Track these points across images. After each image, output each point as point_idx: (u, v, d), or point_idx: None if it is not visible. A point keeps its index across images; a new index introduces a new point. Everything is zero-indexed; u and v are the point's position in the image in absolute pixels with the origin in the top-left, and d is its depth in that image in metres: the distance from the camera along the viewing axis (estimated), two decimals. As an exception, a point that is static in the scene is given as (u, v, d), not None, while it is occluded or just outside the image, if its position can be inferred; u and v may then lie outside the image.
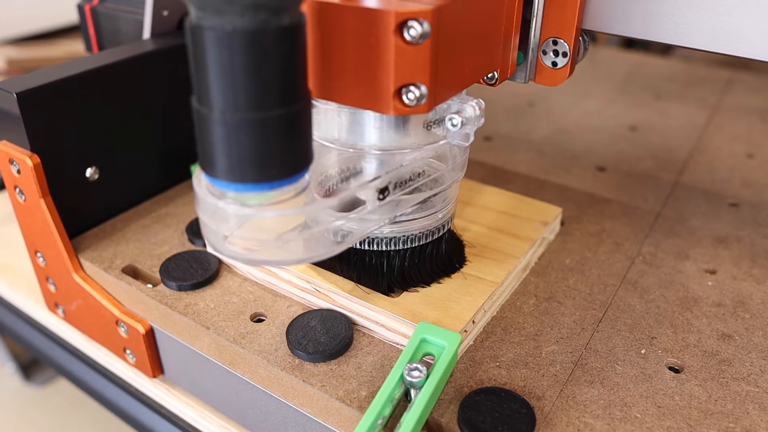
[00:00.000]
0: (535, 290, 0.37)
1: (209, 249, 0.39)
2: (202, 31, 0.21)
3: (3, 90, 0.35)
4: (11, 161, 0.37)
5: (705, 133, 0.58)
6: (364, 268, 0.34)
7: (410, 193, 0.31)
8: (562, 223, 0.43)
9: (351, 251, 0.33)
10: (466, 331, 0.32)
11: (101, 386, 0.43)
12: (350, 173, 0.32)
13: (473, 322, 0.33)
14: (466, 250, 0.37)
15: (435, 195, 0.32)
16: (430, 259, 0.35)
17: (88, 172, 0.40)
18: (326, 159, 0.31)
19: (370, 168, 0.31)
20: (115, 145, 0.41)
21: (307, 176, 0.25)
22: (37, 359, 0.82)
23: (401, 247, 0.33)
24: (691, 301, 0.36)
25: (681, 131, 0.59)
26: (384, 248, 0.33)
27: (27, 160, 0.36)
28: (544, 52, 0.32)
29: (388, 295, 0.33)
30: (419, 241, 0.33)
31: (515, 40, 0.31)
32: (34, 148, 0.37)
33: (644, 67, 0.75)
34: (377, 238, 0.33)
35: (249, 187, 0.24)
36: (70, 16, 0.88)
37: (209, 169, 0.24)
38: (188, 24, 0.22)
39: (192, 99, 0.23)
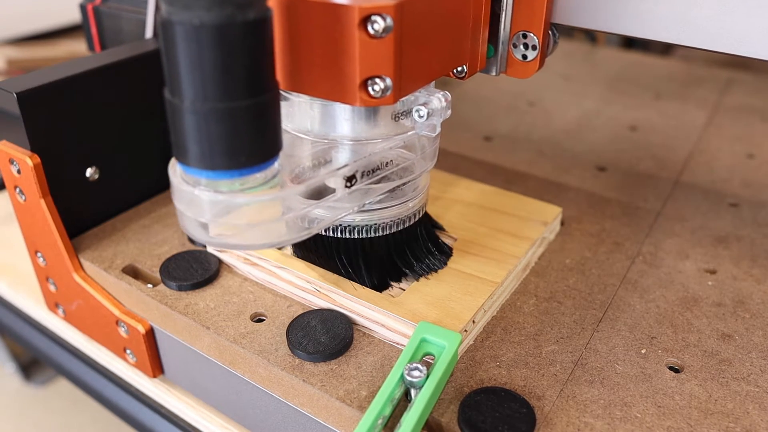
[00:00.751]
0: (535, 290, 0.37)
1: (209, 248, 0.39)
2: (171, 26, 0.22)
3: (3, 90, 0.35)
4: (11, 161, 0.37)
5: (705, 133, 0.58)
6: (340, 256, 0.35)
7: (378, 181, 0.32)
8: (562, 223, 0.43)
9: (327, 240, 0.35)
10: (466, 330, 0.32)
11: (101, 386, 0.43)
12: (323, 163, 0.33)
13: (473, 321, 0.33)
14: (451, 240, 0.38)
15: (404, 184, 0.33)
16: (407, 247, 0.35)
17: (88, 172, 0.40)
18: (301, 150, 0.32)
19: (343, 158, 0.32)
20: (115, 145, 0.41)
21: (276, 164, 0.26)
22: (37, 359, 0.82)
23: (373, 234, 0.34)
24: (691, 301, 0.36)
25: (681, 131, 0.59)
26: (356, 236, 0.34)
27: (27, 160, 0.36)
28: (515, 46, 0.33)
29: (375, 288, 0.34)
30: (390, 229, 0.34)
31: (484, 34, 0.32)
32: (34, 148, 0.37)
33: (644, 67, 0.75)
34: (350, 225, 0.34)
35: (220, 174, 0.25)
36: (71, 16, 0.88)
37: (182, 158, 0.25)
38: (159, 18, 0.23)
39: (165, 91, 0.24)
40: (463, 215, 0.40)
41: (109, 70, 0.39)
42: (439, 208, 0.41)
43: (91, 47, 0.51)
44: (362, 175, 0.31)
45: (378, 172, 0.32)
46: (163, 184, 0.45)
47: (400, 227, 0.35)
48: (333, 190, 0.30)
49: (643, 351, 0.33)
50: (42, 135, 0.37)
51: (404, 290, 0.34)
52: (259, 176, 0.26)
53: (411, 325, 0.31)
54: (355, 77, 0.25)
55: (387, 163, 0.32)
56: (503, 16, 0.32)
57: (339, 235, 0.34)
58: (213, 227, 0.27)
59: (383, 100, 0.26)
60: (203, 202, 0.26)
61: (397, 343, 0.32)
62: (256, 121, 0.24)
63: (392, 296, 0.34)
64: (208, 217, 0.26)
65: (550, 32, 0.32)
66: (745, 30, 0.27)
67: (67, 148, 0.38)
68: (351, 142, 0.31)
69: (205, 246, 0.39)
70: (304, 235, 0.29)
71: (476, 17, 0.30)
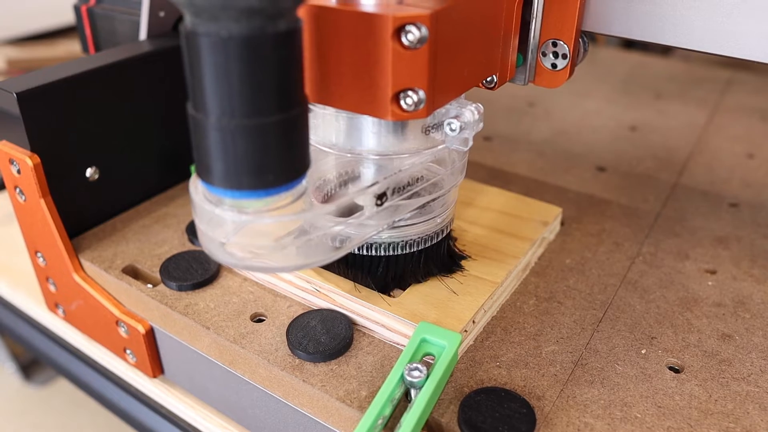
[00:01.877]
0: (535, 290, 0.37)
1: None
2: (197, 38, 0.21)
3: (3, 90, 0.35)
4: (11, 161, 0.37)
5: (705, 133, 0.58)
6: (363, 272, 0.34)
7: (408, 198, 0.30)
8: (562, 223, 0.43)
9: (349, 256, 0.33)
10: (466, 331, 0.32)
11: (101, 386, 0.43)
12: (348, 178, 0.32)
13: (473, 322, 0.33)
14: (463, 254, 0.37)
15: (434, 200, 0.32)
16: (430, 264, 0.34)
17: (88, 172, 0.40)
18: (324, 164, 0.31)
19: (368, 173, 0.31)
20: (115, 145, 0.41)
21: (304, 182, 0.25)
22: (37, 359, 0.82)
23: (400, 252, 0.33)
24: (691, 301, 0.36)
25: (681, 131, 0.59)
26: (383, 253, 0.33)
27: (27, 160, 0.36)
28: (544, 54, 0.32)
29: (389, 296, 0.33)
30: (418, 246, 0.33)
31: (514, 42, 0.31)
32: (34, 148, 0.37)
33: (644, 67, 0.75)
34: (376, 243, 0.32)
35: (246, 194, 0.23)
36: (71, 16, 0.88)
37: (206, 176, 0.24)
38: (183, 30, 0.21)
39: (188, 105, 0.23)
40: (463, 215, 0.40)
41: (110, 70, 0.39)
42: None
43: (85, 49, 0.51)
44: (393, 192, 0.29)
45: (408, 188, 0.30)
46: (163, 184, 0.45)
47: (428, 244, 0.33)
48: (361, 207, 0.29)
49: (643, 351, 0.33)
50: (42, 135, 0.37)
51: (404, 290, 0.34)
52: (286, 194, 0.24)
53: (411, 325, 0.31)
54: (388, 90, 0.24)
55: (417, 179, 0.31)
56: (533, 23, 0.31)
57: (365, 252, 0.33)
58: (236, 248, 0.25)
59: (416, 113, 0.25)
60: (226, 223, 0.25)
61: (397, 344, 0.32)
62: (285, 137, 0.23)
63: (392, 296, 0.34)
64: (231, 237, 0.25)
65: (580, 40, 0.31)
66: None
67: (67, 148, 0.38)
68: (378, 157, 0.30)
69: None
70: (334, 256, 0.28)
71: (507, 25, 0.29)
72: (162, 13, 0.45)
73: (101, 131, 0.40)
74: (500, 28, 0.29)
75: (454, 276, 0.35)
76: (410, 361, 0.29)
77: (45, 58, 0.78)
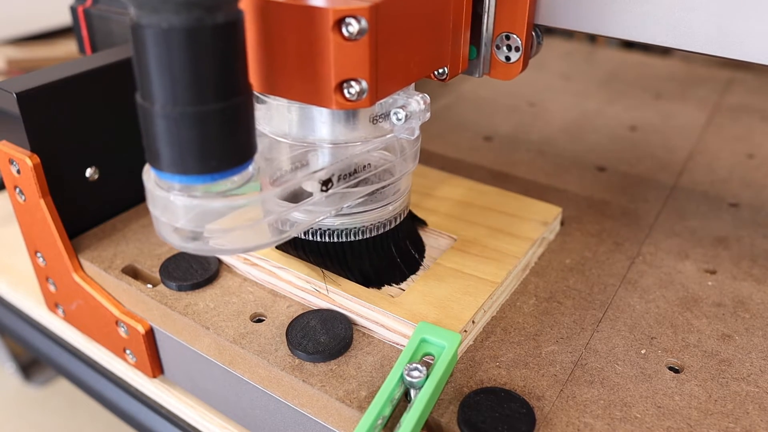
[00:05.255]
0: (535, 290, 0.37)
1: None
2: (141, 29, 0.22)
3: (3, 90, 0.35)
4: (11, 161, 0.37)
5: (705, 133, 0.58)
6: (321, 259, 0.35)
7: (357, 185, 0.32)
8: (562, 223, 0.43)
9: (309, 243, 0.35)
10: (466, 331, 0.32)
11: (101, 386, 0.43)
12: (301, 167, 0.33)
13: (473, 322, 0.33)
14: (450, 240, 0.38)
15: (384, 187, 0.33)
16: (388, 251, 0.35)
17: (88, 172, 0.40)
18: (279, 154, 0.32)
19: (321, 161, 0.31)
20: (115, 145, 0.41)
21: (251, 168, 0.26)
22: (37, 359, 0.82)
23: (353, 238, 0.34)
24: (691, 301, 0.36)
25: (681, 131, 0.59)
26: (336, 239, 0.34)
27: (27, 160, 0.36)
28: (498, 47, 0.32)
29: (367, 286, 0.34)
30: (371, 233, 0.34)
31: (466, 35, 0.31)
32: (34, 148, 0.37)
33: (644, 67, 0.75)
34: (329, 229, 0.33)
35: (192, 179, 0.25)
36: (70, 16, 0.88)
37: (155, 163, 0.25)
38: (129, 22, 0.22)
39: (136, 95, 0.24)
40: (464, 215, 0.40)
41: (109, 70, 0.39)
42: (438, 208, 0.41)
43: (82, 50, 0.51)
44: (339, 179, 0.31)
45: (356, 175, 0.31)
46: (163, 184, 0.45)
47: (380, 231, 0.34)
48: (311, 194, 0.30)
49: (643, 351, 0.33)
50: (42, 135, 0.37)
51: (404, 290, 0.34)
52: (235, 179, 0.26)
53: (411, 325, 0.31)
54: (331, 80, 0.25)
55: (365, 166, 0.32)
56: (485, 17, 0.31)
57: (319, 238, 0.34)
58: (187, 232, 0.27)
59: (359, 103, 0.26)
60: (177, 207, 0.26)
61: (397, 344, 0.32)
62: (228, 124, 0.24)
63: (392, 296, 0.34)
64: (183, 222, 0.26)
65: (533, 33, 0.32)
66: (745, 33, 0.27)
67: (67, 148, 0.38)
68: (329, 145, 0.31)
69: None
70: (281, 239, 0.29)
71: (457, 18, 0.30)
72: None
73: (101, 131, 0.40)
74: (449, 21, 0.30)
75: (447, 271, 0.35)
76: (410, 361, 0.29)
77: (45, 58, 0.78)
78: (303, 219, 0.31)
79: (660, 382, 0.31)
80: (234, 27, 0.23)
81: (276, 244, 0.29)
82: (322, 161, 0.31)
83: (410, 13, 0.27)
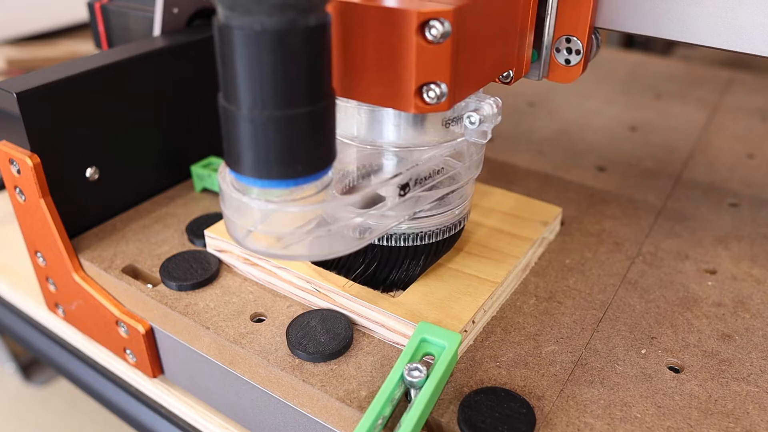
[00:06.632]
0: (535, 290, 0.37)
1: (209, 248, 0.39)
2: (230, 31, 0.21)
3: (3, 90, 0.35)
4: (11, 161, 0.37)
5: (705, 133, 0.58)
6: (380, 265, 0.34)
7: (428, 189, 0.31)
8: (562, 223, 0.43)
9: (368, 247, 0.34)
10: (466, 331, 0.32)
11: (101, 386, 0.43)
12: (369, 170, 0.32)
13: (473, 322, 0.33)
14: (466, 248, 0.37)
15: (452, 192, 0.33)
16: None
17: (88, 172, 0.40)
18: (345, 156, 0.32)
19: (389, 165, 0.31)
20: (115, 145, 0.41)
21: (330, 173, 0.26)
22: (37, 359, 0.82)
23: (418, 243, 0.33)
24: (691, 301, 0.36)
25: (681, 131, 0.59)
26: (402, 244, 0.33)
27: (27, 160, 0.36)
28: (558, 50, 0.32)
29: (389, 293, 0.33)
30: (436, 237, 0.33)
31: (530, 38, 0.31)
32: (34, 148, 0.37)
33: (644, 67, 0.75)
34: (395, 234, 0.33)
35: (274, 183, 0.24)
36: (71, 16, 0.88)
37: (235, 166, 0.24)
38: (216, 23, 0.22)
39: (219, 96, 0.24)
40: (463, 215, 0.40)
41: (110, 70, 0.39)
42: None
43: (98, 45, 0.51)
44: (414, 184, 0.30)
45: (429, 180, 0.31)
46: (163, 184, 0.45)
47: (446, 235, 0.34)
48: (382, 199, 0.29)
49: (643, 351, 0.32)
50: (42, 135, 0.37)
51: (404, 290, 0.34)
52: (312, 185, 0.25)
53: (411, 325, 0.31)
54: (411, 83, 0.25)
55: (438, 170, 0.31)
56: (548, 20, 0.32)
57: (384, 243, 0.33)
58: (261, 236, 0.26)
59: (438, 106, 0.25)
60: (253, 211, 0.25)
61: (397, 343, 0.32)
62: (314, 128, 0.24)
63: (392, 296, 0.34)
64: (257, 225, 0.26)
65: (593, 36, 0.32)
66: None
67: (67, 148, 0.38)
68: (398, 149, 0.30)
69: (205, 246, 0.39)
70: (356, 246, 0.29)
71: (523, 21, 0.30)
72: (176, 10, 0.45)
73: (101, 131, 0.40)
74: (517, 24, 0.30)
75: (447, 271, 0.35)
76: (410, 361, 0.29)
77: (45, 58, 0.78)
78: (376, 225, 0.30)
79: (660, 381, 0.31)
80: (324, 29, 0.22)
81: (349, 252, 0.29)
82: (390, 165, 0.31)
83: (486, 16, 0.27)
